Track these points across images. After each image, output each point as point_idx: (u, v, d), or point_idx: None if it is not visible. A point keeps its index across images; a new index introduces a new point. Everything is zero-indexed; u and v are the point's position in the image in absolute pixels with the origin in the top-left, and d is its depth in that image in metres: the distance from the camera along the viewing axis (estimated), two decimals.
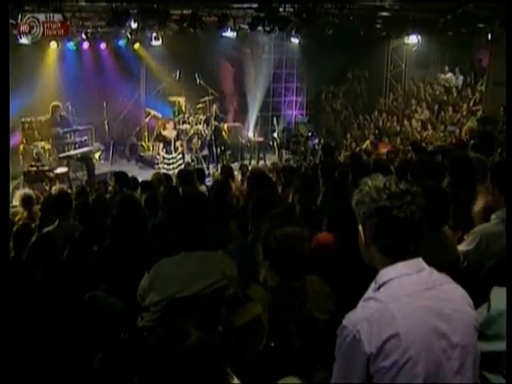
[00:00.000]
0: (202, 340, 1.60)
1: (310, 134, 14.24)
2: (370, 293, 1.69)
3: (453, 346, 1.62)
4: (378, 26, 12.56)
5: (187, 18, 10.38)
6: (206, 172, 10.45)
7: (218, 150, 13.60)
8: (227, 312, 2.35)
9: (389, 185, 1.68)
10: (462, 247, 3.29)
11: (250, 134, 15.20)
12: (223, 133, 13.91)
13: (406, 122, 14.74)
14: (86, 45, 12.12)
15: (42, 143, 11.44)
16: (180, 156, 12.61)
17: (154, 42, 11.89)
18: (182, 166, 12.07)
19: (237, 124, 14.98)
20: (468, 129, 11.65)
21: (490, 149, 7.05)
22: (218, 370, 1.63)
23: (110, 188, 7.80)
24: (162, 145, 12.57)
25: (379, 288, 1.66)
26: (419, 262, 1.70)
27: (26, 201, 6.72)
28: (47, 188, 9.56)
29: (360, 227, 1.74)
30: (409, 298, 1.62)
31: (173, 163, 12.38)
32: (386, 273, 1.68)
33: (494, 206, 3.35)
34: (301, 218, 2.64)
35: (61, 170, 10.85)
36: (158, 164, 12.61)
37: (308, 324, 2.27)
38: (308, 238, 2.49)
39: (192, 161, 12.95)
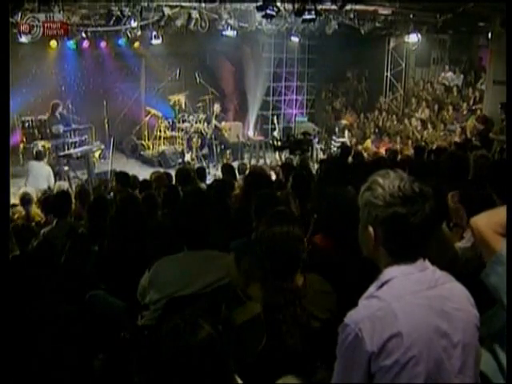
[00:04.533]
0: (213, 334, 1.61)
1: (316, 132, 14.28)
2: (372, 290, 1.67)
3: (454, 345, 1.62)
4: (378, 24, 12.53)
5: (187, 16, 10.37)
6: (206, 171, 10.44)
7: (218, 149, 13.61)
8: (227, 311, 2.35)
9: (403, 187, 1.62)
10: (460, 245, 3.29)
11: (250, 133, 15.20)
12: (223, 131, 13.92)
13: (406, 121, 14.72)
14: (85, 43, 12.10)
15: (42, 142, 11.44)
16: None
17: (154, 41, 11.87)
18: None
19: (236, 123, 14.97)
20: (474, 128, 11.64)
21: (490, 147, 7.08)
22: (226, 365, 1.64)
23: (111, 188, 7.82)
24: None
25: (382, 286, 1.66)
26: (423, 261, 1.69)
27: (25, 199, 6.77)
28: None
29: (370, 229, 1.68)
30: (411, 296, 1.62)
31: None
32: (389, 271, 1.67)
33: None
34: (296, 218, 2.64)
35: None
36: None
37: (300, 324, 2.26)
38: (302, 238, 2.48)
39: (192, 159, 12.95)
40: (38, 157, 9.81)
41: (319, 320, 2.32)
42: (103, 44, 12.76)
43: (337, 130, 14.53)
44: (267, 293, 2.35)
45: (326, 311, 2.36)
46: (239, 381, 1.83)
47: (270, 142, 14.01)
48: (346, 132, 14.46)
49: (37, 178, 9.32)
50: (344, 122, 15.05)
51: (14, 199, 7.11)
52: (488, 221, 2.07)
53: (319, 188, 4.84)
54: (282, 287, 2.33)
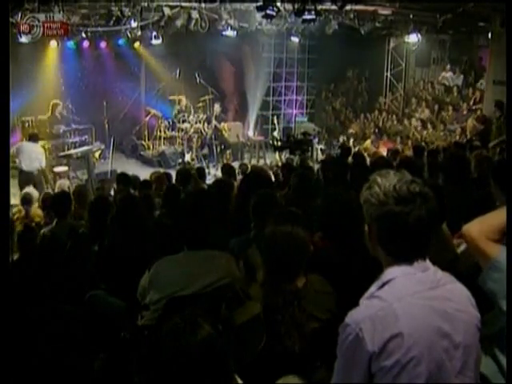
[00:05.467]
0: (213, 334, 1.61)
1: (316, 133, 14.31)
2: (373, 290, 1.67)
3: (455, 345, 1.62)
4: (378, 24, 12.54)
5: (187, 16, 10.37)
6: (206, 171, 10.45)
7: (218, 149, 13.62)
8: (227, 311, 2.35)
9: (399, 187, 1.62)
10: (461, 247, 3.28)
11: (250, 133, 15.20)
12: (223, 132, 13.92)
13: (405, 121, 14.73)
14: (86, 44, 12.10)
15: (42, 142, 11.43)
16: None
17: (154, 41, 11.87)
18: None
19: (236, 123, 14.98)
20: (474, 128, 11.64)
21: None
22: (226, 365, 1.64)
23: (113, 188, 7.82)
24: None
25: (383, 286, 1.65)
26: (424, 262, 1.68)
27: (25, 200, 6.78)
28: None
29: (366, 226, 1.71)
30: (412, 297, 1.61)
31: None
32: (390, 271, 1.67)
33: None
34: (301, 219, 2.63)
35: (60, 168, 10.87)
36: None
37: (299, 324, 2.25)
38: (306, 240, 2.47)
39: (192, 159, 12.96)
40: (32, 138, 9.87)
41: (319, 320, 2.31)
42: (103, 44, 12.75)
43: (345, 138, 14.77)
44: (266, 293, 2.34)
45: (327, 311, 2.36)
46: (239, 381, 1.83)
47: (270, 142, 14.02)
48: (351, 140, 14.62)
49: (26, 159, 9.44)
50: (351, 131, 15.30)
51: (14, 199, 7.11)
52: (480, 228, 2.06)
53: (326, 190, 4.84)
54: (281, 288, 2.32)
